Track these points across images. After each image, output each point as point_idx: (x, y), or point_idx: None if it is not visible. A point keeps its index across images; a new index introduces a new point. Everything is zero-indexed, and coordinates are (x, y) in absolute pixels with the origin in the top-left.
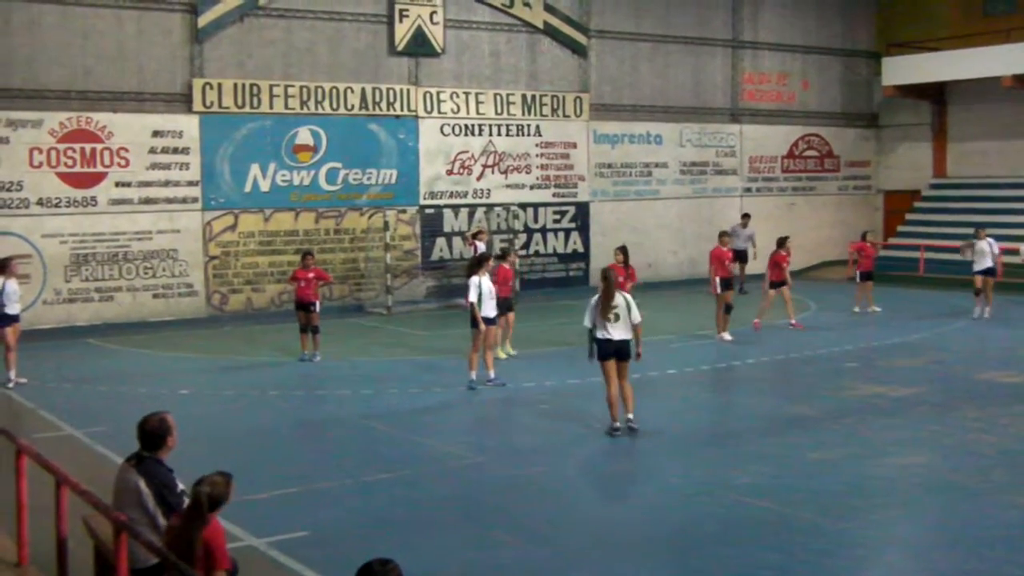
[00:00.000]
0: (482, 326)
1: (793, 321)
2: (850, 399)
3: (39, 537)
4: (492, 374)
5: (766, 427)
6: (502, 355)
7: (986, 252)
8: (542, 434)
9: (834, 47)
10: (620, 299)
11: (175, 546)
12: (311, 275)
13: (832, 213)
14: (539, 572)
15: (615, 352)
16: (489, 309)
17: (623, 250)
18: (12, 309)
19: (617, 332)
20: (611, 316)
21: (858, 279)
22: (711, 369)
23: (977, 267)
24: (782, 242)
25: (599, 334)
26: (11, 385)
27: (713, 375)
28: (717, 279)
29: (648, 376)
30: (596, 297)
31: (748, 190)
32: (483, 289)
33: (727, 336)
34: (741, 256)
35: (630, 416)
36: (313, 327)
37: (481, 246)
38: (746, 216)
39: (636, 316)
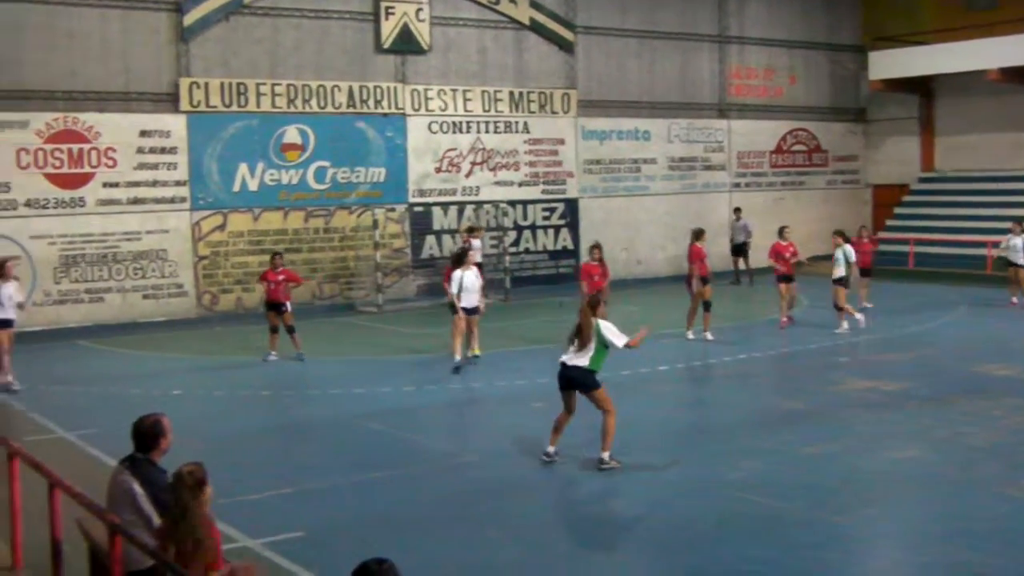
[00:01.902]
0: (460, 314)
1: (784, 318)
2: (842, 393)
3: (33, 540)
4: (475, 354)
5: (758, 422)
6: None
7: (1019, 248)
8: (536, 432)
9: (820, 41)
10: (594, 327)
11: (167, 547)
12: (280, 276)
13: (821, 208)
14: (534, 571)
15: (568, 381)
16: (468, 301)
17: (598, 247)
18: (7, 313)
19: (573, 358)
20: (575, 343)
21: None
22: (702, 365)
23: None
24: (781, 231)
25: (562, 359)
26: (17, 386)
27: (704, 371)
28: (696, 277)
29: (639, 372)
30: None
31: (737, 185)
32: (464, 282)
33: (708, 336)
34: (741, 249)
35: (604, 456)
36: (288, 327)
37: (476, 243)
38: (738, 210)
39: (618, 342)
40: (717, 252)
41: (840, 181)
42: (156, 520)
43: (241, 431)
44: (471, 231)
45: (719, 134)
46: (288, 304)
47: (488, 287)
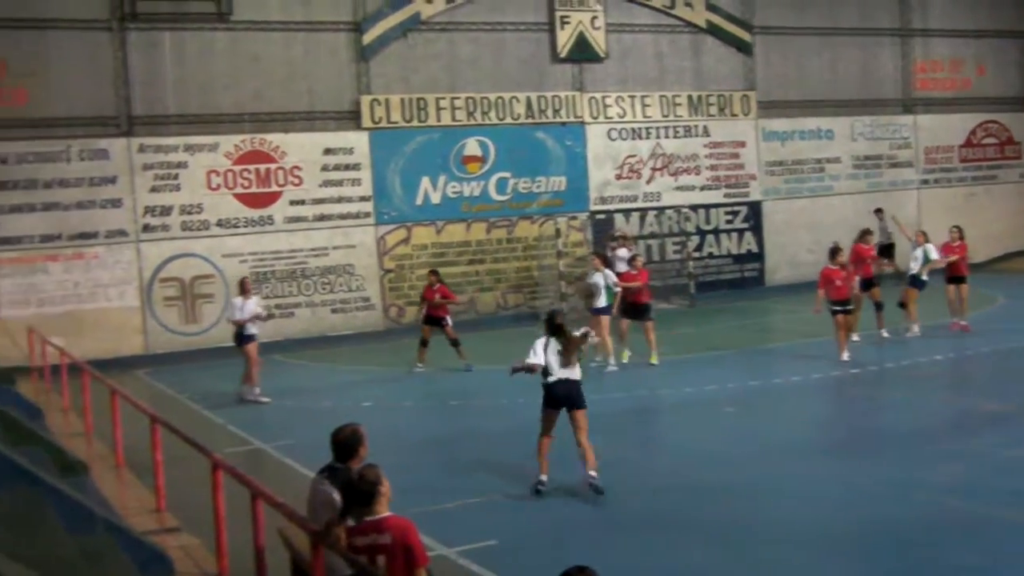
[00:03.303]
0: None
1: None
2: None
3: (236, 549)
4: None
5: (954, 424)
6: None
7: None
8: (729, 437)
9: (1008, 29)
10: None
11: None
12: (437, 295)
13: (1014, 202)
14: None
15: (565, 398)
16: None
17: (840, 250)
18: (252, 328)
19: (569, 373)
20: (573, 358)
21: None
22: (895, 367)
23: None
24: (862, 235)
25: (551, 378)
26: (264, 399)
27: (894, 373)
28: (857, 279)
29: (830, 376)
30: (543, 339)
31: (925, 182)
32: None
33: (884, 333)
34: (888, 251)
35: (592, 473)
36: (452, 340)
37: (622, 252)
38: (879, 210)
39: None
40: (823, 258)
41: None
42: None
43: (430, 441)
44: (615, 239)
45: (904, 130)
46: (448, 319)
47: (671, 292)
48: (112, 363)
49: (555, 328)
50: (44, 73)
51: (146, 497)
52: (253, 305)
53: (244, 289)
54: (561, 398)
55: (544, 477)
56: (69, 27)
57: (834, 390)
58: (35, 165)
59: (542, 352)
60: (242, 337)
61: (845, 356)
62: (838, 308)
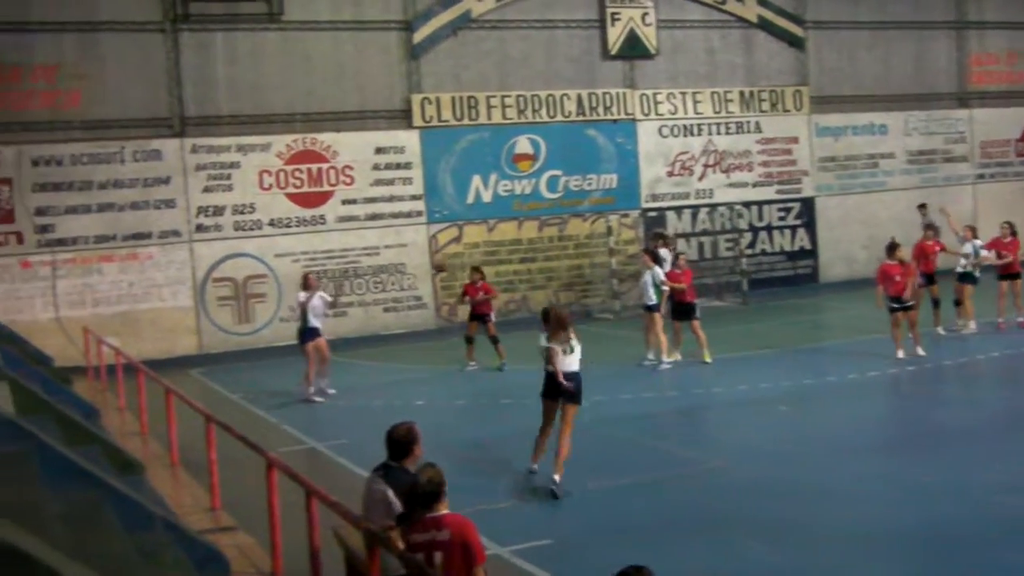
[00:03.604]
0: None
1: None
2: None
3: (291, 548)
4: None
5: (1010, 423)
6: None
7: None
8: (784, 436)
9: None
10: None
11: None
12: (480, 293)
13: None
14: None
15: (562, 390)
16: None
17: (897, 246)
18: (316, 323)
19: (572, 365)
20: (566, 348)
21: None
22: (952, 364)
23: None
24: (927, 229)
25: (550, 368)
26: (331, 392)
27: (951, 371)
28: (919, 275)
29: (887, 373)
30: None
31: (981, 177)
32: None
33: (941, 331)
34: None
35: (556, 478)
36: (492, 337)
37: (665, 253)
38: (923, 206)
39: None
40: (878, 253)
41: None
42: None
43: (483, 439)
44: (658, 238)
45: (960, 124)
46: (492, 315)
47: (724, 290)
48: (166, 363)
49: (547, 316)
50: (98, 75)
51: (201, 496)
52: (318, 300)
53: (308, 284)
54: (559, 389)
55: (534, 465)
56: (122, 29)
57: (890, 388)
58: (89, 167)
59: (545, 344)
60: (307, 332)
61: (900, 354)
62: (896, 305)
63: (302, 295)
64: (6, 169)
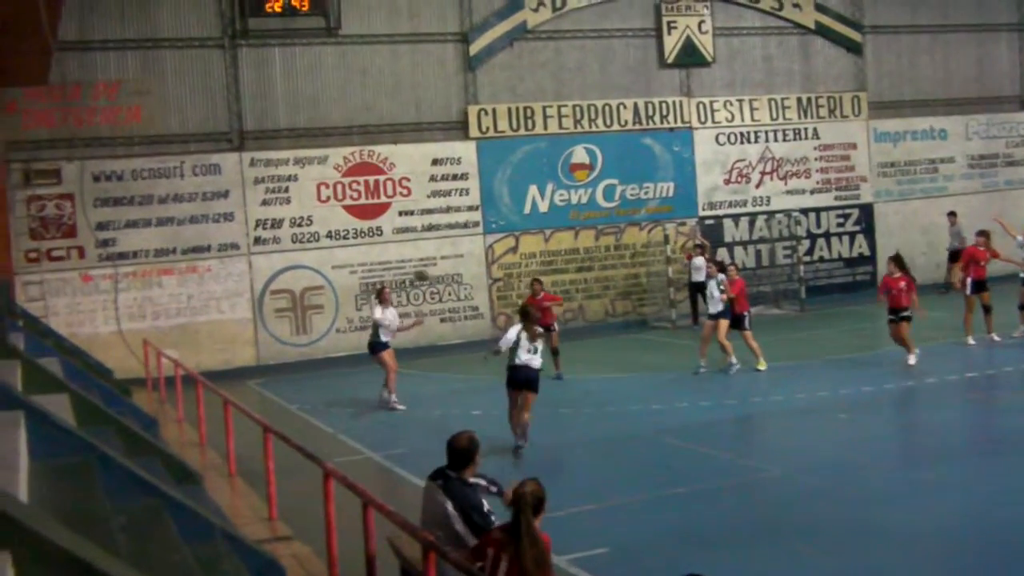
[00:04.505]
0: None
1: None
2: None
3: (347, 557)
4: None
5: None
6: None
7: None
8: (843, 445)
9: None
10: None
11: (500, 559)
12: (544, 303)
13: None
14: None
15: (524, 381)
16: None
17: (897, 259)
18: (387, 336)
19: (532, 360)
20: (531, 348)
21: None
22: (1014, 371)
23: None
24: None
25: (517, 361)
26: (401, 406)
27: (1011, 377)
28: (969, 279)
29: (946, 380)
30: (518, 327)
31: None
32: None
33: (995, 337)
34: (958, 256)
35: (522, 442)
36: (553, 349)
37: (698, 261)
38: (952, 214)
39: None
40: (936, 259)
41: None
42: (470, 540)
43: (540, 448)
44: (695, 248)
45: (1022, 128)
46: (555, 325)
47: (782, 297)
48: (224, 374)
49: (524, 314)
50: (159, 91)
51: (259, 506)
52: (392, 315)
53: (383, 298)
54: (520, 381)
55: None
56: (183, 46)
57: (949, 394)
58: (150, 181)
59: (513, 338)
60: (376, 345)
61: (912, 360)
62: (892, 316)
63: (378, 309)
64: (69, 184)
